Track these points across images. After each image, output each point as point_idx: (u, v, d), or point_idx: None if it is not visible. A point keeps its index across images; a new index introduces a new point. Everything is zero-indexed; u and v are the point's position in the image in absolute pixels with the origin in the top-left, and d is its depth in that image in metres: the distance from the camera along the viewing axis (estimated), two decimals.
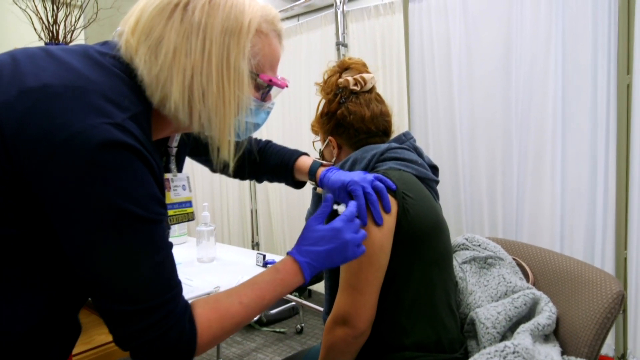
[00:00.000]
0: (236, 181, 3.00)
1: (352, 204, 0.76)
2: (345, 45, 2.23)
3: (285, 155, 1.01)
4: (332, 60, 1.11)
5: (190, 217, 0.76)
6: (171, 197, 0.72)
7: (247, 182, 3.03)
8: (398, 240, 0.85)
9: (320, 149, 1.15)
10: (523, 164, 1.73)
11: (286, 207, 2.78)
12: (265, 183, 3.20)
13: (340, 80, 1.01)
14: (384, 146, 0.96)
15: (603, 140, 1.53)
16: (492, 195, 1.83)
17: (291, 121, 2.68)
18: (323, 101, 1.05)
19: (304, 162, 0.99)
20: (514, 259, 1.17)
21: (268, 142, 1.07)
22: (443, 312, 0.91)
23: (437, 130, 2.00)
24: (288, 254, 0.71)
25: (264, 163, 1.02)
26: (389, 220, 0.85)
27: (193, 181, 2.97)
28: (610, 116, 1.53)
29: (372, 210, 0.82)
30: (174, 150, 0.75)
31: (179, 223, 0.74)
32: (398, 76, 2.11)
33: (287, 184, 1.06)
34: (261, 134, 2.85)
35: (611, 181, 1.53)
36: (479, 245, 1.21)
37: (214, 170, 1.03)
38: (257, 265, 1.40)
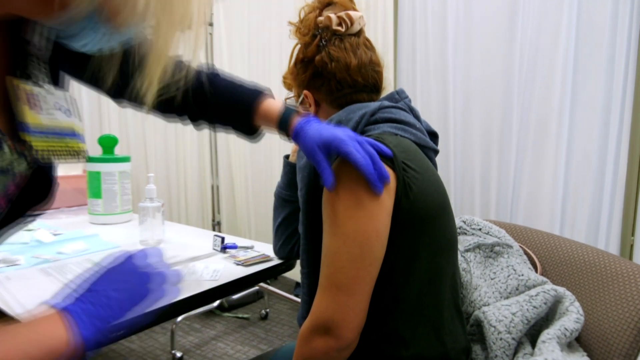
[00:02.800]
0: (195, 153, 2.70)
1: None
2: None
3: (245, 92, 0.76)
4: None
5: (77, 156, 0.50)
6: (41, 119, 0.46)
7: (207, 154, 2.73)
8: (397, 225, 0.66)
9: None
10: (524, 135, 1.55)
11: (251, 182, 2.53)
12: (229, 155, 2.86)
13: (321, 18, 0.81)
14: (374, 104, 0.78)
15: (617, 112, 1.35)
16: (486, 170, 1.65)
17: (259, 80, 2.39)
18: (298, 46, 0.86)
19: (272, 106, 0.75)
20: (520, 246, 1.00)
21: (215, 71, 0.79)
22: (449, 315, 0.74)
23: (426, 92, 1.76)
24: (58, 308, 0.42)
25: (214, 98, 0.75)
26: (387, 199, 0.65)
27: (143, 148, 2.61)
28: (627, 85, 1.35)
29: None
30: (39, 50, 0.48)
31: (58, 159, 0.48)
32: (384, 29, 1.86)
33: (239, 130, 0.79)
34: None
35: (623, 158, 1.37)
36: (480, 230, 1.04)
37: (114, 94, 0.73)
38: (214, 249, 1.16)
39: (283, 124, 0.73)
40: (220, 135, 2.70)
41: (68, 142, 0.50)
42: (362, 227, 0.64)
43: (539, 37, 1.49)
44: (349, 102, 0.81)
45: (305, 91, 0.84)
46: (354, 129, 0.75)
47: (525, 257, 0.96)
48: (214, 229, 2.82)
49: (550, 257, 0.99)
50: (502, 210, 1.60)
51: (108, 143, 1.57)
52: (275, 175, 2.37)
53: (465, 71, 1.65)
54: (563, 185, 1.46)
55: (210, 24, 2.62)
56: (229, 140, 2.61)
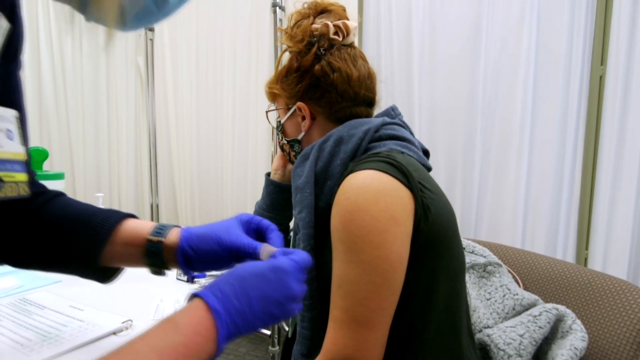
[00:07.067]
0: (131, 166, 2.45)
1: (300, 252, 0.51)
2: (282, 8, 1.89)
3: (98, 213, 0.60)
4: (305, 2, 0.85)
5: (19, 191, 0.38)
6: None
7: (146, 167, 2.48)
8: (416, 249, 0.61)
9: (278, 121, 0.86)
10: (487, 156, 1.62)
11: (198, 201, 2.33)
12: (172, 170, 2.66)
13: (316, 25, 0.77)
14: (377, 121, 0.74)
15: (572, 134, 1.48)
16: (451, 187, 1.70)
17: (208, 100, 2.23)
18: (287, 54, 0.81)
19: (136, 225, 0.60)
20: None
21: (60, 194, 0.64)
22: (466, 343, 0.70)
23: None
24: (196, 295, 0.43)
25: (49, 223, 0.57)
26: (407, 222, 0.61)
27: (69, 162, 2.31)
28: (581, 109, 1.47)
29: None
30: None
31: None
32: None
33: (82, 271, 0.60)
34: (167, 117, 2.35)
35: (577, 177, 1.49)
36: (464, 249, 1.03)
37: None
38: (178, 279, 1.02)
39: (154, 236, 0.57)
40: (161, 146, 2.45)
41: (13, 176, 0.39)
42: (384, 253, 0.58)
43: (501, 63, 1.57)
44: (348, 116, 0.76)
45: (299, 103, 0.77)
46: (357, 145, 0.71)
47: (510, 275, 0.97)
48: None
49: (529, 274, 1.01)
50: (467, 226, 1.64)
51: (36, 157, 1.33)
52: (227, 192, 2.20)
53: (430, 95, 1.69)
54: (524, 201, 1.54)
55: (151, 29, 2.42)
56: (172, 153, 2.39)
